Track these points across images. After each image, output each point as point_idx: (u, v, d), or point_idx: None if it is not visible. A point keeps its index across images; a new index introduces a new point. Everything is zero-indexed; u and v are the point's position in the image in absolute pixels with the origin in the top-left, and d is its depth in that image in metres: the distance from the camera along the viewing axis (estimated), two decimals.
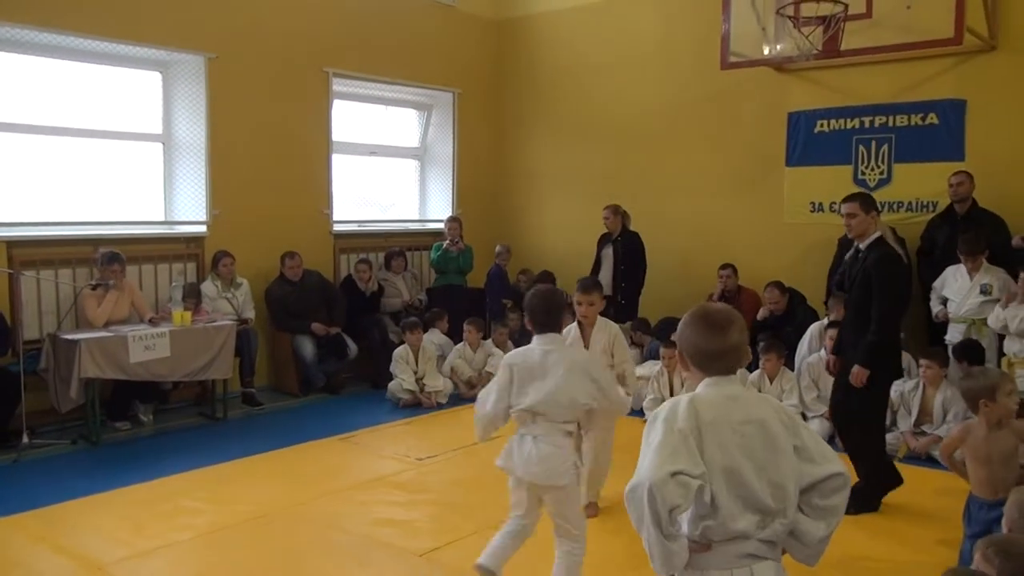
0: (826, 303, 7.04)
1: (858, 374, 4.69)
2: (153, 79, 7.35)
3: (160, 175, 7.48)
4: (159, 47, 7.02)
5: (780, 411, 2.11)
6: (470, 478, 5.33)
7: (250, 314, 7.38)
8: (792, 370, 6.54)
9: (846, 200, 4.84)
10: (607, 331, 4.57)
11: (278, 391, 7.70)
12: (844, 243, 7.02)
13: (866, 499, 4.74)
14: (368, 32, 8.52)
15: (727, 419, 2.03)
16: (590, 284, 4.63)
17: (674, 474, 1.92)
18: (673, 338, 6.75)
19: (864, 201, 4.78)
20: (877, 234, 4.76)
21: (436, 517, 4.68)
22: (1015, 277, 5.92)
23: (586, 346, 4.48)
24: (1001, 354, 5.94)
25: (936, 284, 6.47)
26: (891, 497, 4.89)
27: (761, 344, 6.68)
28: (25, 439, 5.70)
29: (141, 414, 6.64)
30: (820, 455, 2.07)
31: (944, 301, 6.38)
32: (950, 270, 6.35)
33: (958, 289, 6.26)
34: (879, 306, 4.66)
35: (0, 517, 4.57)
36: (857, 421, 4.87)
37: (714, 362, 2.11)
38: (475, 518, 4.60)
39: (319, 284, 7.88)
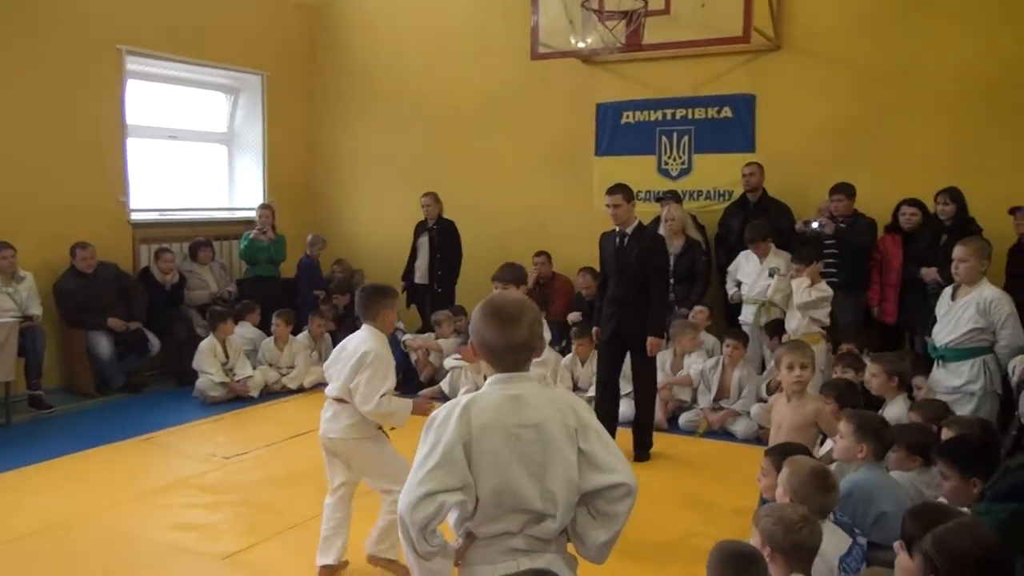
0: None
1: (655, 344, 5.34)
2: None
3: None
4: None
5: (569, 413, 2.04)
6: (280, 475, 5.15)
7: (36, 310, 6.77)
8: None
9: (609, 192, 5.41)
10: None
11: (71, 392, 7.12)
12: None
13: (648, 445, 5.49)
14: (167, 8, 8.00)
15: (502, 423, 1.99)
16: (509, 269, 4.64)
17: (429, 494, 1.92)
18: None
19: (625, 192, 5.38)
20: (636, 221, 5.42)
21: (241, 518, 4.48)
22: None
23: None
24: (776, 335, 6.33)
25: (731, 268, 6.88)
26: (696, 468, 5.26)
27: (573, 329, 6.89)
28: None
29: None
30: (607, 464, 2.02)
31: (738, 284, 6.80)
32: (743, 255, 6.77)
33: (750, 272, 6.68)
34: (662, 281, 5.41)
35: None
36: (648, 383, 5.51)
37: (502, 357, 2.06)
38: (283, 516, 4.46)
39: (115, 277, 7.36)
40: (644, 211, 7.69)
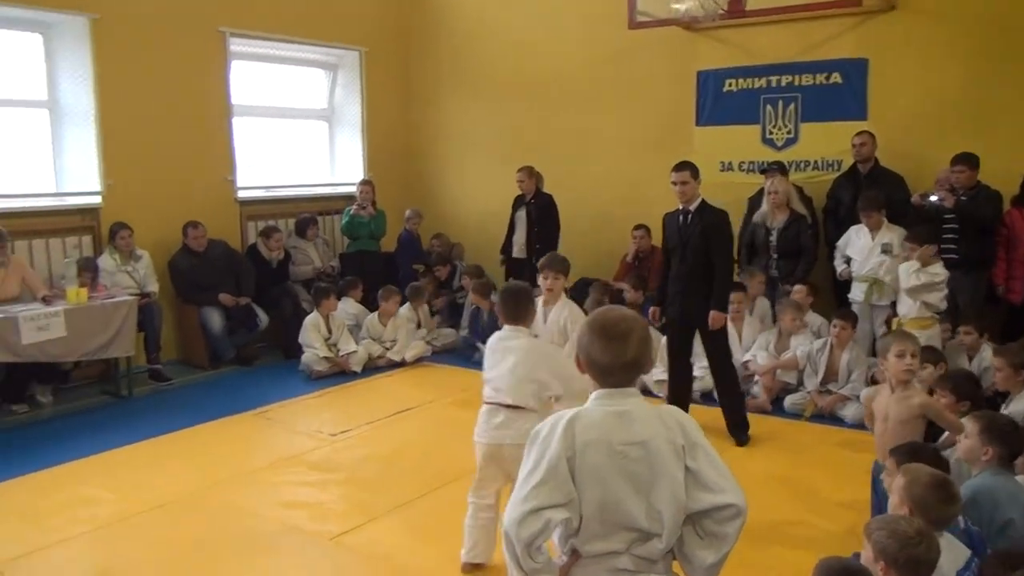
0: (737, 263, 7.12)
1: (717, 318, 5.32)
2: (34, 41, 6.89)
3: (48, 144, 7.06)
4: (37, 8, 6.57)
5: (676, 430, 2.00)
6: (383, 453, 5.27)
7: (153, 287, 7.09)
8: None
9: (677, 168, 5.37)
10: (565, 309, 4.63)
11: (187, 365, 7.45)
12: (754, 203, 7.12)
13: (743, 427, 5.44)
14: None
15: (607, 440, 1.95)
16: (556, 260, 4.80)
17: (534, 510, 1.90)
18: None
19: (692, 169, 5.37)
20: (699, 199, 5.39)
21: (348, 497, 4.60)
22: None
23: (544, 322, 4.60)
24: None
25: (840, 243, 6.59)
26: (800, 454, 5.13)
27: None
28: None
29: (39, 395, 6.33)
30: (715, 483, 1.98)
31: (848, 260, 6.52)
32: (853, 229, 6.48)
33: (861, 248, 6.39)
34: (723, 254, 5.35)
35: None
36: (723, 362, 5.46)
37: (610, 375, 2.02)
38: (388, 496, 4.56)
39: (225, 254, 7.62)
40: (748, 183, 7.49)
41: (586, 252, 8.01)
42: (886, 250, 6.22)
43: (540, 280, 4.74)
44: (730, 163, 7.80)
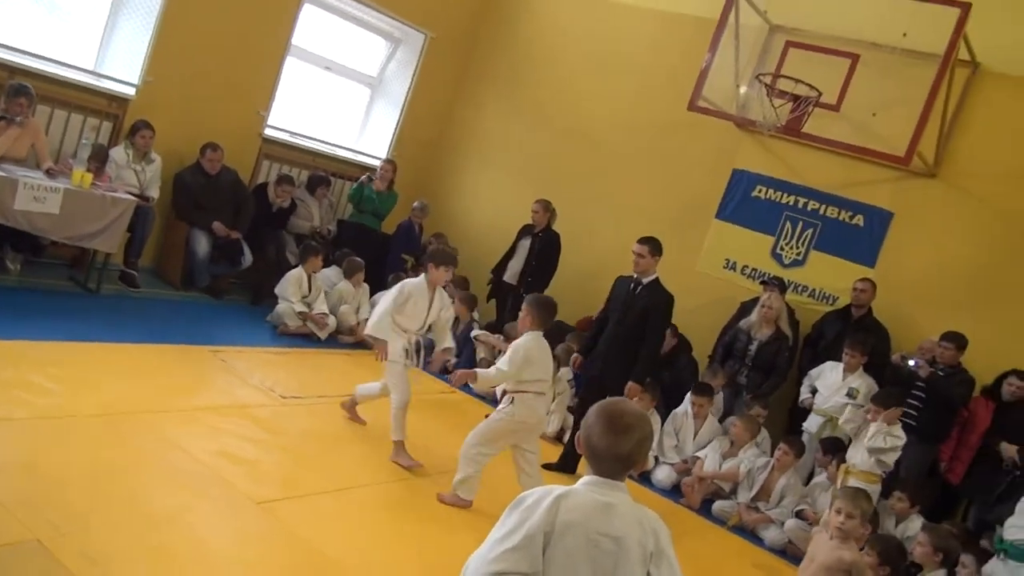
0: (710, 359, 7.28)
1: (634, 389, 5.72)
2: None
3: (102, 21, 7.01)
4: None
5: (650, 535, 2.08)
6: (329, 432, 5.30)
7: (154, 193, 7.05)
8: (661, 416, 6.74)
9: (640, 241, 5.78)
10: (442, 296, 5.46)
11: (158, 279, 7.41)
12: (745, 307, 7.27)
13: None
14: None
15: (586, 526, 2.03)
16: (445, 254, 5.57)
17: (500, 573, 1.98)
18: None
19: (653, 245, 5.79)
20: (654, 275, 5.80)
21: (283, 465, 4.61)
22: (881, 387, 6.25)
23: (430, 300, 5.33)
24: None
25: (812, 372, 6.75)
26: (716, 562, 5.27)
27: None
28: None
29: (9, 261, 6.26)
30: None
31: (813, 391, 6.69)
32: (828, 364, 6.65)
33: (830, 384, 6.56)
34: (657, 332, 5.80)
35: None
36: None
37: (603, 463, 2.11)
38: (323, 477, 4.59)
39: (233, 183, 7.58)
40: (745, 288, 7.66)
41: (572, 298, 8.09)
42: (851, 394, 6.39)
43: (432, 271, 5.31)
44: (735, 263, 7.96)
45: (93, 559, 3.16)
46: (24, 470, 3.69)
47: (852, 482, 5.57)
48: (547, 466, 5.53)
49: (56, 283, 6.45)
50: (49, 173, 6.06)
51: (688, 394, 6.70)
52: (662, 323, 5.89)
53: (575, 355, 6.24)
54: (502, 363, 4.73)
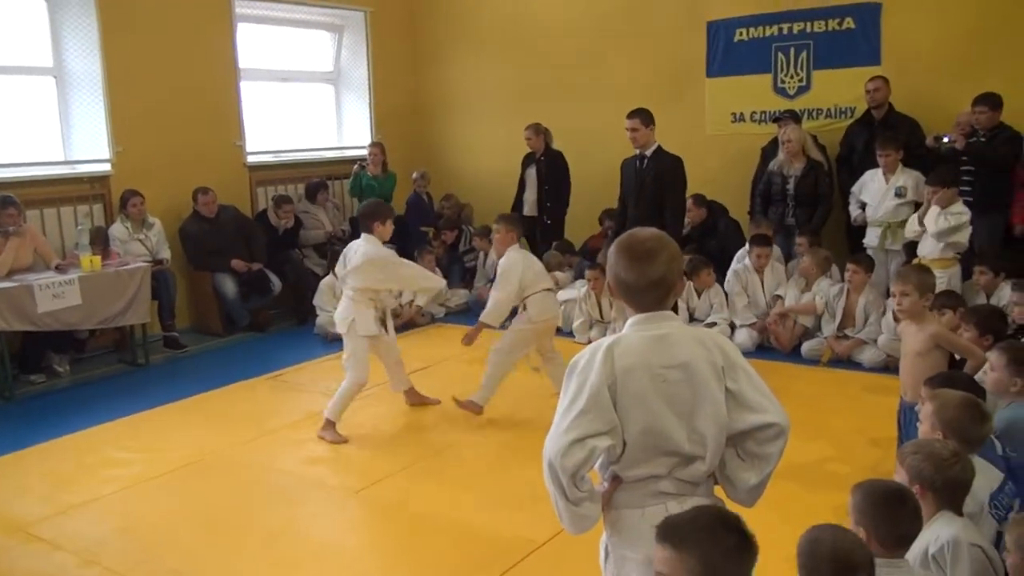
0: (750, 214, 7.09)
1: None
2: (38, 7, 6.81)
3: (55, 111, 7.02)
4: None
5: (716, 351, 1.96)
6: (402, 411, 5.29)
7: (165, 255, 7.08)
8: (721, 284, 6.58)
9: (629, 116, 5.65)
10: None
11: (202, 332, 7.46)
12: (767, 152, 7.05)
13: None
14: None
15: (647, 364, 1.92)
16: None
17: (578, 440, 1.87)
18: (599, 260, 6.77)
19: (644, 117, 5.66)
20: (655, 145, 5.71)
21: (368, 453, 4.63)
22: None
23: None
24: (913, 256, 6.02)
25: (854, 188, 6.54)
26: (819, 399, 5.12)
27: (687, 262, 6.72)
28: None
29: (56, 365, 6.34)
30: (757, 403, 1.94)
31: (862, 205, 6.47)
32: (868, 174, 6.42)
33: (875, 192, 6.34)
34: (677, 195, 5.70)
35: None
36: None
37: (638, 296, 1.98)
38: (404, 454, 4.58)
39: (235, 219, 7.58)
40: (760, 133, 7.41)
41: (597, 209, 7.95)
42: (899, 193, 6.18)
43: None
44: (742, 114, 7.71)
45: None
46: (126, 535, 3.73)
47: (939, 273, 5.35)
48: None
49: (107, 370, 6.52)
50: (59, 269, 6.11)
51: (738, 252, 6.52)
52: (677, 185, 5.80)
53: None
54: (497, 290, 4.82)
